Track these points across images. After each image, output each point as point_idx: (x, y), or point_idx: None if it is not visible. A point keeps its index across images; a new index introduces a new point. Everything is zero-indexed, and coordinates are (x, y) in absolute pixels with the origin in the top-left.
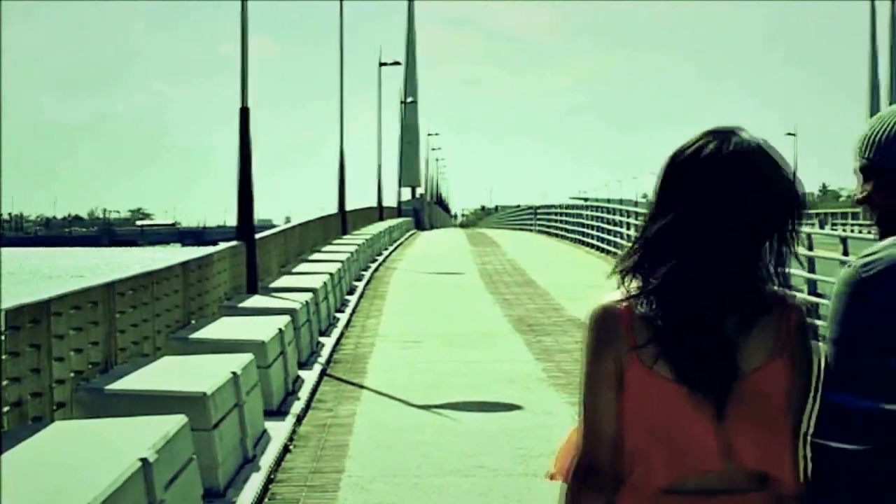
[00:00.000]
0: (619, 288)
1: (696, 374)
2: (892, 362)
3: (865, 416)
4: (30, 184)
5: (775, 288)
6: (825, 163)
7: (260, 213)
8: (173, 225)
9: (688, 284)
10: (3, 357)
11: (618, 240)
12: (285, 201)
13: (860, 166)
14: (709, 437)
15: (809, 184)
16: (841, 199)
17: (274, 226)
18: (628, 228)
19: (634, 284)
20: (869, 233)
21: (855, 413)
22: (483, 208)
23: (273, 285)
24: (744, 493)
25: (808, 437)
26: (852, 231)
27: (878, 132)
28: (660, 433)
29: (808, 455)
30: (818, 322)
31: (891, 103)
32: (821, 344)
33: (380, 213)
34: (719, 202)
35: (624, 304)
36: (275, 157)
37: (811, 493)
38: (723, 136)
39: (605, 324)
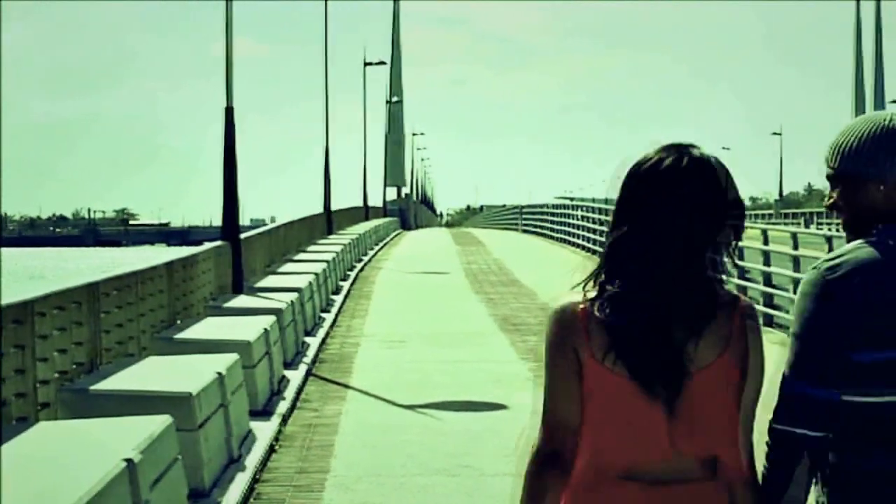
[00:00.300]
0: (583, 288)
1: (647, 373)
2: (853, 357)
3: (827, 405)
4: (14, 184)
5: (727, 289)
6: (811, 163)
7: (254, 213)
8: (166, 225)
9: (642, 291)
10: None
11: (603, 239)
12: (271, 202)
13: (828, 174)
14: (660, 429)
15: (795, 183)
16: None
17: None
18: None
19: (594, 287)
20: None
21: (817, 402)
22: (469, 208)
23: (258, 285)
24: (696, 482)
25: (770, 425)
26: (837, 230)
27: (842, 143)
28: (615, 424)
29: (768, 441)
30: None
31: (875, 103)
32: (786, 338)
33: (365, 212)
34: (676, 212)
35: (582, 306)
36: (261, 158)
37: (770, 475)
38: (679, 151)
39: (565, 322)
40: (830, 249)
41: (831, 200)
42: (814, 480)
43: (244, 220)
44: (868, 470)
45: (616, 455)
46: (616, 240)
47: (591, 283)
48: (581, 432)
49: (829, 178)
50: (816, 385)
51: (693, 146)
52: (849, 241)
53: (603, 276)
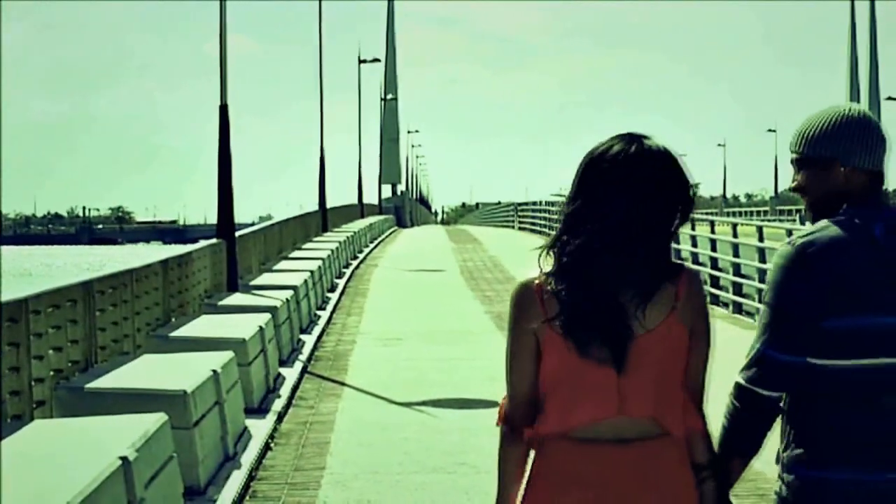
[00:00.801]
0: (538, 265)
1: (596, 338)
2: (822, 325)
3: (793, 368)
4: (9, 182)
5: (675, 260)
6: None
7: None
8: (174, 222)
9: (590, 262)
10: None
11: None
12: (267, 200)
13: (793, 159)
14: (610, 389)
15: (790, 180)
16: None
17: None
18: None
19: (550, 263)
20: None
21: (784, 366)
22: (464, 205)
23: (254, 283)
24: (653, 440)
25: (737, 383)
26: None
27: (808, 130)
28: (571, 388)
29: (734, 399)
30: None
31: (870, 100)
32: (760, 307)
33: (361, 210)
34: (623, 193)
35: (538, 281)
36: (257, 157)
37: (731, 429)
38: (630, 139)
39: (523, 299)
40: None
41: (796, 183)
42: (783, 441)
43: (250, 217)
44: (831, 426)
45: (574, 417)
46: (569, 217)
47: (545, 258)
48: (542, 399)
49: (794, 162)
50: (785, 350)
51: (646, 137)
52: (813, 221)
53: (555, 248)
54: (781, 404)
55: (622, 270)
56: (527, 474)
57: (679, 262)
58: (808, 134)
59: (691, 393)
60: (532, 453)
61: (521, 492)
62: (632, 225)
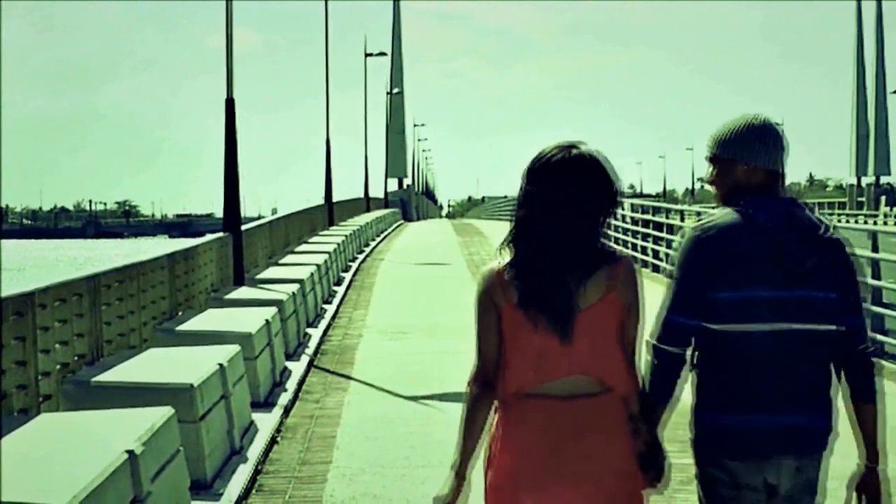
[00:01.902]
0: (499, 256)
1: (547, 313)
2: (716, 296)
3: (693, 330)
4: (17, 177)
5: (611, 248)
6: (811, 153)
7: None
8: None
9: (539, 253)
10: None
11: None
12: (272, 195)
13: (707, 157)
14: (559, 354)
15: (797, 174)
16: (828, 189)
17: None
18: (614, 217)
19: (508, 254)
20: (856, 222)
21: (686, 328)
22: (470, 199)
23: (260, 277)
24: (597, 396)
25: (650, 344)
26: (839, 221)
27: (718, 134)
28: (526, 353)
29: (649, 356)
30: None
31: (877, 94)
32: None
33: (367, 204)
34: (560, 194)
35: (498, 268)
36: (265, 151)
37: (651, 380)
38: (566, 147)
39: (487, 283)
40: None
41: (710, 178)
42: (692, 395)
43: (257, 213)
44: (722, 381)
45: (529, 377)
46: (520, 216)
47: (504, 251)
48: (503, 362)
49: (708, 160)
50: (684, 315)
51: (580, 144)
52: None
53: (511, 244)
54: (689, 362)
55: (565, 259)
56: (493, 426)
57: (615, 248)
58: (719, 138)
59: (627, 356)
60: (496, 410)
61: (489, 439)
62: (570, 220)
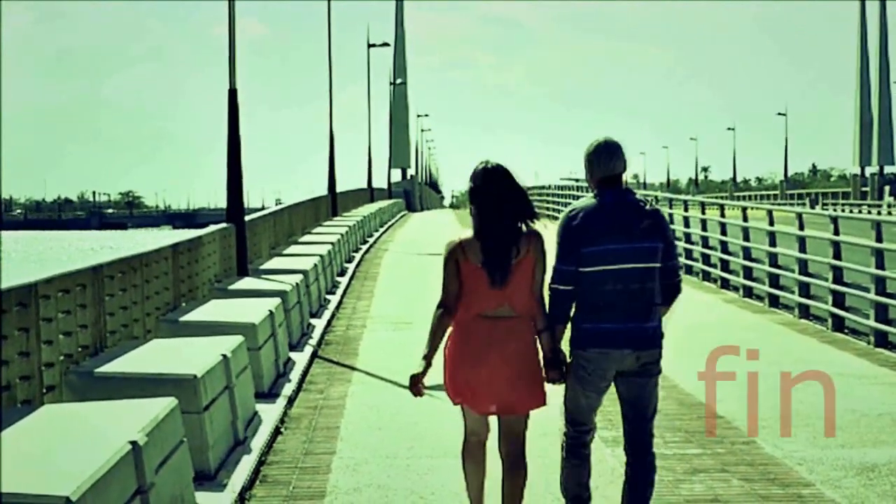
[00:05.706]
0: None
1: (491, 266)
2: (582, 250)
3: (572, 273)
4: (20, 167)
5: (531, 226)
6: (816, 143)
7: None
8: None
9: (486, 230)
10: None
11: None
12: (276, 186)
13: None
14: (497, 293)
15: (800, 164)
16: (832, 180)
17: None
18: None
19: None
20: (860, 212)
21: (568, 272)
22: None
23: (263, 267)
24: (515, 318)
25: (549, 285)
26: (843, 211)
27: (587, 150)
28: (475, 292)
29: (548, 294)
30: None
31: (880, 84)
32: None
33: (370, 194)
34: (487, 194)
35: (460, 239)
36: (269, 142)
37: (550, 309)
38: (486, 162)
39: (452, 247)
40: (836, 230)
41: (587, 177)
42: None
43: (268, 201)
44: (586, 300)
45: (476, 306)
46: (474, 210)
47: (468, 228)
48: (459, 297)
49: (584, 166)
50: (567, 264)
51: (489, 161)
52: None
53: (472, 225)
54: (570, 295)
55: (501, 232)
56: (449, 336)
57: (532, 227)
58: (586, 153)
59: (536, 292)
60: (452, 327)
61: (447, 341)
62: (500, 210)
